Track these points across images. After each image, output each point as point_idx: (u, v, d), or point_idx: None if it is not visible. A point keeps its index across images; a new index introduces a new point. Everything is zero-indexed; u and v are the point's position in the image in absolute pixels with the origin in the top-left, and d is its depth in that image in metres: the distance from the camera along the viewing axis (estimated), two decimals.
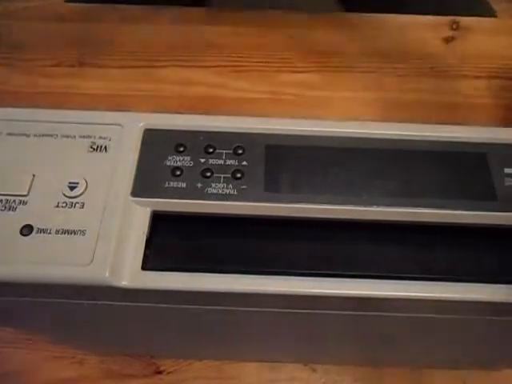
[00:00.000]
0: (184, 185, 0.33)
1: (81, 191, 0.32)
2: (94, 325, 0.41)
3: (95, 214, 0.32)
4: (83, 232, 0.31)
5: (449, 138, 0.35)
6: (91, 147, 0.34)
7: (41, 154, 0.34)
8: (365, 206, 0.33)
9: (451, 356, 0.51)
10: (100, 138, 0.34)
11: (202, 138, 0.35)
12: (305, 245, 0.33)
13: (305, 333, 0.43)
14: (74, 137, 0.35)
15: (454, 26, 0.74)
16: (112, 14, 0.76)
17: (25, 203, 0.32)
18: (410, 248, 0.33)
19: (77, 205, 0.32)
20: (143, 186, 0.33)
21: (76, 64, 0.71)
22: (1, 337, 0.57)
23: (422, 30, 0.74)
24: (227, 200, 0.33)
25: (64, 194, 0.32)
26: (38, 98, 0.68)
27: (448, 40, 0.73)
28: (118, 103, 0.66)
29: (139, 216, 0.32)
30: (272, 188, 0.33)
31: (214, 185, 0.33)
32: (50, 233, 0.31)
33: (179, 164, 0.34)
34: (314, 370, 0.57)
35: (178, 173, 0.33)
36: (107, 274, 0.30)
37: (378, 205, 0.33)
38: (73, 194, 0.32)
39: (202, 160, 0.34)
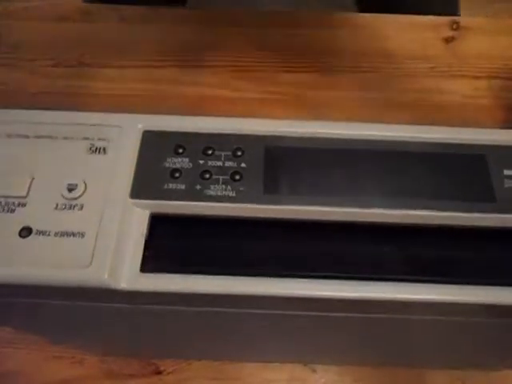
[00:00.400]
0: (183, 186, 0.33)
1: (80, 193, 0.32)
2: (93, 326, 0.41)
3: (94, 216, 0.32)
4: (82, 234, 0.31)
5: (448, 140, 0.35)
6: (90, 149, 0.34)
7: (40, 155, 0.34)
8: (364, 208, 0.33)
9: (450, 356, 0.51)
10: (99, 139, 0.34)
11: (200, 139, 0.35)
12: (303, 247, 0.33)
13: (303, 334, 0.43)
14: (73, 138, 0.35)
15: (454, 26, 0.74)
16: (112, 13, 0.76)
17: (23, 205, 0.32)
18: (410, 250, 0.33)
19: (76, 207, 0.32)
20: (142, 187, 0.33)
21: (76, 64, 0.71)
22: (1, 337, 0.57)
23: (422, 30, 0.74)
24: (226, 202, 0.33)
25: (63, 196, 0.32)
26: (38, 98, 0.68)
27: (448, 40, 0.73)
28: (118, 103, 0.66)
29: (138, 218, 0.32)
30: (271, 190, 0.33)
31: (212, 186, 0.33)
32: (48, 235, 0.31)
33: (178, 166, 0.34)
34: (314, 371, 0.57)
35: (177, 174, 0.33)
36: (106, 276, 0.30)
37: (377, 207, 0.33)
38: (72, 195, 0.32)
39: (201, 162, 0.34)
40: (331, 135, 0.35)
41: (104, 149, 0.34)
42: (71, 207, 0.32)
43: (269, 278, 0.31)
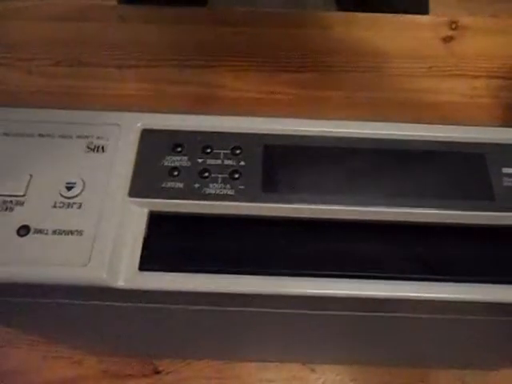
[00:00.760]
0: (181, 185, 0.33)
1: (78, 191, 0.32)
2: (91, 325, 0.40)
3: (92, 215, 0.32)
4: (80, 232, 0.31)
5: (447, 138, 0.35)
6: (88, 147, 0.34)
7: (38, 154, 0.34)
8: (362, 206, 0.33)
9: (449, 356, 0.51)
10: (98, 138, 0.34)
11: (199, 138, 0.35)
12: (303, 245, 0.33)
13: (303, 333, 0.43)
14: (72, 137, 0.34)
15: (453, 26, 0.74)
16: (110, 13, 0.76)
17: (22, 203, 0.32)
18: (408, 248, 0.33)
19: (74, 205, 0.32)
20: (140, 186, 0.33)
21: (75, 63, 0.71)
22: (0, 337, 0.57)
23: (420, 29, 0.74)
24: (225, 200, 0.33)
25: (61, 195, 0.32)
26: (37, 97, 0.68)
27: (447, 40, 0.73)
28: (117, 102, 0.66)
29: (136, 216, 0.32)
30: (269, 188, 0.33)
31: (211, 185, 0.33)
32: (47, 233, 0.31)
33: (177, 164, 0.34)
34: (313, 370, 0.57)
35: (176, 173, 0.33)
36: (104, 275, 0.30)
37: (376, 205, 0.33)
38: (70, 194, 0.32)
39: (200, 160, 0.34)
40: (329, 133, 0.35)
41: (102, 147, 0.34)
42: (69, 205, 0.32)
43: (268, 277, 0.31)
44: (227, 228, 0.33)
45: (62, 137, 0.34)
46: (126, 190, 0.33)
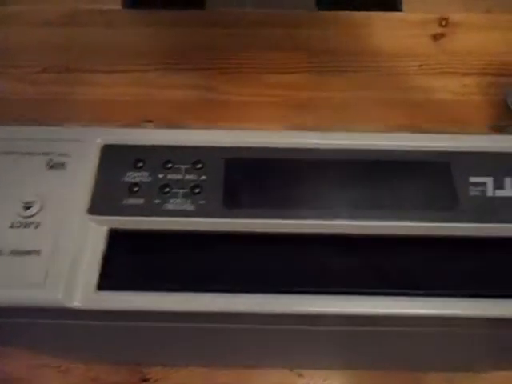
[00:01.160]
0: (142, 201, 0.33)
1: (36, 210, 0.32)
2: (61, 339, 0.40)
3: (50, 234, 0.31)
4: (38, 252, 0.31)
5: (412, 148, 0.34)
6: (49, 164, 0.34)
7: None
8: (325, 219, 0.32)
9: (437, 361, 0.50)
10: (59, 154, 0.34)
11: (160, 152, 0.34)
12: (263, 261, 0.33)
13: (282, 342, 0.42)
14: (33, 154, 0.34)
15: (443, 23, 0.73)
16: (98, 18, 0.76)
17: None
18: (371, 261, 0.33)
19: (32, 225, 0.31)
20: (100, 203, 0.33)
21: (63, 70, 0.71)
22: None
23: (410, 27, 0.73)
24: (185, 216, 0.32)
25: (19, 214, 0.32)
26: (24, 104, 0.67)
27: (437, 37, 0.72)
28: (106, 109, 0.66)
29: (95, 234, 0.32)
30: (230, 203, 0.32)
31: (171, 200, 0.33)
32: (3, 254, 0.30)
33: (137, 180, 0.33)
34: (301, 375, 0.57)
35: (136, 189, 0.33)
36: (60, 296, 0.29)
37: (339, 218, 0.32)
38: (28, 213, 0.32)
39: (161, 175, 0.33)
40: (292, 145, 0.34)
41: (63, 164, 0.34)
42: (27, 225, 0.31)
43: (228, 294, 0.31)
44: (187, 245, 0.33)
45: (24, 154, 0.34)
46: (86, 208, 0.32)
